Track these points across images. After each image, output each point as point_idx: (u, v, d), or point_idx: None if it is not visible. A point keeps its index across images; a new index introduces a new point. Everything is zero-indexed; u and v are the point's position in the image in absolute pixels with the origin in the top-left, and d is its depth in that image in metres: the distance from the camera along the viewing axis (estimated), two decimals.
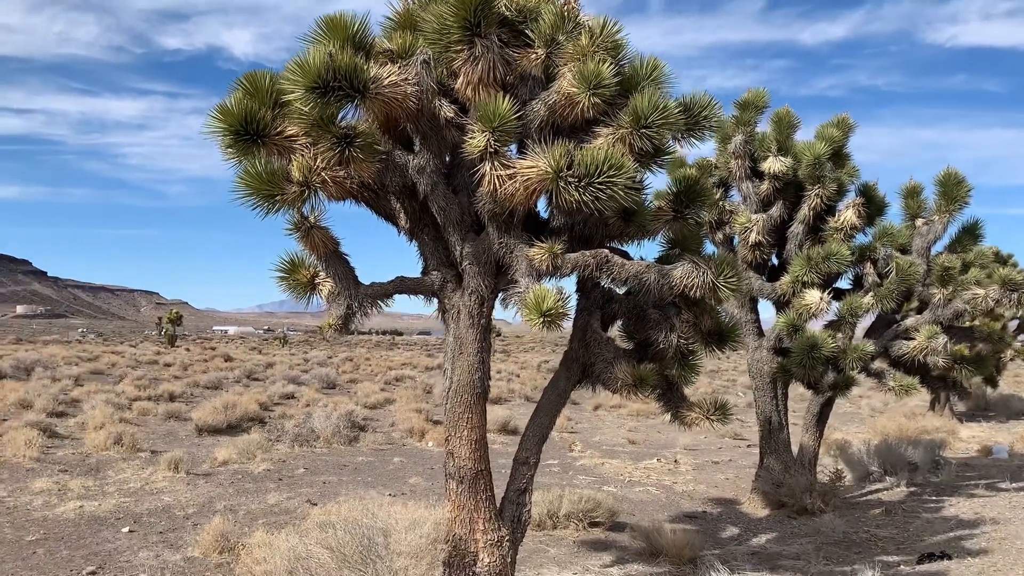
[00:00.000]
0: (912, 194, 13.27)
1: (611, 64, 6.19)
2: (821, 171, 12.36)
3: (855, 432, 22.70)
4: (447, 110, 7.18)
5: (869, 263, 12.86)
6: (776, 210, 12.85)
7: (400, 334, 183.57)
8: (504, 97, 6.17)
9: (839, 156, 12.86)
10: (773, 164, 12.45)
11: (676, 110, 6.46)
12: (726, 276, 7.03)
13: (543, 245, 6.64)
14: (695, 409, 8.20)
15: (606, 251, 7.14)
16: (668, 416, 8.50)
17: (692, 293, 7.04)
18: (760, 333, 13.49)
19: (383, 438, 19.32)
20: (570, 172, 5.87)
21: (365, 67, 6.18)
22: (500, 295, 7.63)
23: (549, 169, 5.90)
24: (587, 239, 7.52)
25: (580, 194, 5.84)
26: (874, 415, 26.96)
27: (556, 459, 17.49)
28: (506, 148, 6.20)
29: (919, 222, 13.04)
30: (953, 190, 12.83)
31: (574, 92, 6.24)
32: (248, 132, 6.85)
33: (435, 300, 7.76)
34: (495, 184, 6.19)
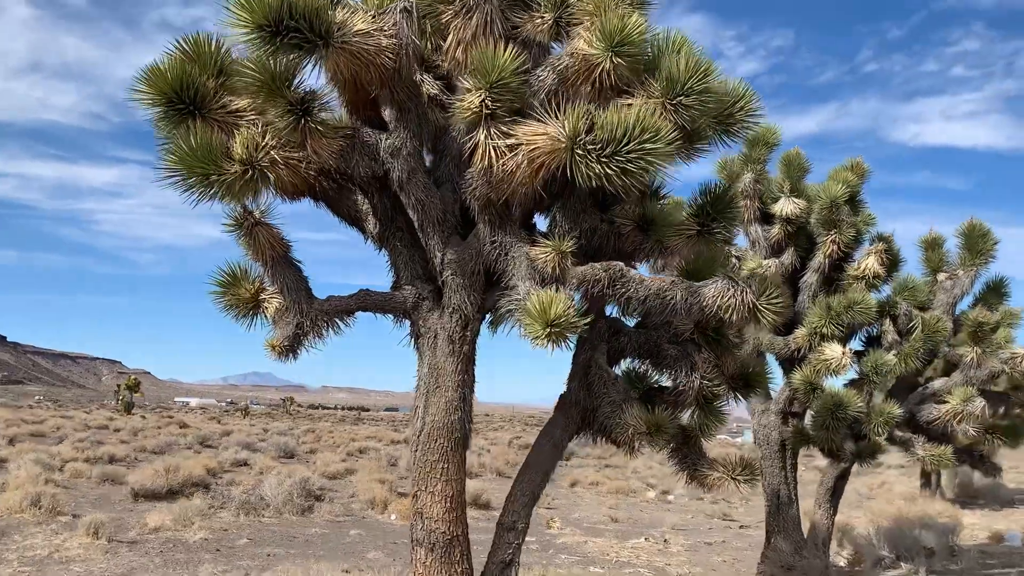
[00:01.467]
0: (933, 246, 12.14)
1: (638, 17, 4.92)
2: (838, 215, 11.23)
3: (853, 516, 21.16)
4: (431, 86, 5.89)
5: (888, 320, 11.60)
6: (787, 257, 11.63)
7: (367, 410, 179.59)
8: (505, 47, 4.87)
9: (854, 201, 11.76)
10: (785, 206, 11.30)
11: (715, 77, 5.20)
12: (770, 297, 5.68)
13: (549, 243, 5.25)
14: (717, 468, 6.73)
15: (621, 264, 5.78)
16: (683, 476, 7.02)
17: (728, 316, 5.65)
18: (767, 395, 12.10)
19: (341, 509, 17.45)
20: (590, 138, 4.53)
21: (329, 8, 4.89)
22: (489, 315, 6.21)
23: (562, 136, 4.57)
24: (594, 254, 6.17)
25: (604, 167, 4.50)
26: (862, 499, 25.49)
27: (534, 536, 15.75)
28: (505, 113, 4.87)
29: (941, 276, 11.87)
30: (978, 243, 11.72)
31: (592, 54, 4.95)
32: (184, 101, 5.50)
33: (407, 322, 6.32)
34: (491, 158, 4.84)
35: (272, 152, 5.37)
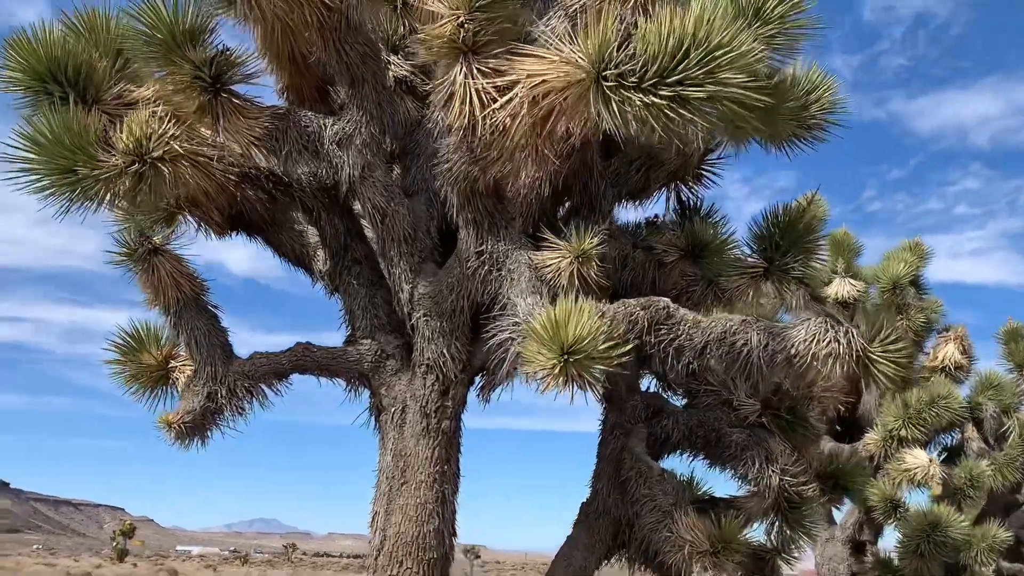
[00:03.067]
0: (1015, 337, 10.31)
1: None
2: (903, 298, 9.47)
3: None
4: (399, 67, 4.36)
5: (971, 424, 9.65)
6: None
7: None
8: None
9: (917, 285, 10.04)
10: (841, 288, 9.57)
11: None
12: (886, 341, 3.89)
13: (562, 244, 3.54)
14: None
15: (667, 300, 4.04)
16: None
17: (828, 368, 3.85)
18: (829, 519, 9.96)
19: None
20: (625, 56, 2.89)
21: None
22: (479, 379, 4.43)
23: (583, 59, 2.93)
24: (625, 292, 4.45)
25: (647, 96, 2.83)
26: None
27: None
28: (495, 44, 3.26)
29: None
30: None
31: None
32: (61, 82, 3.98)
33: (366, 391, 4.53)
34: (473, 109, 3.20)
35: (172, 143, 3.76)
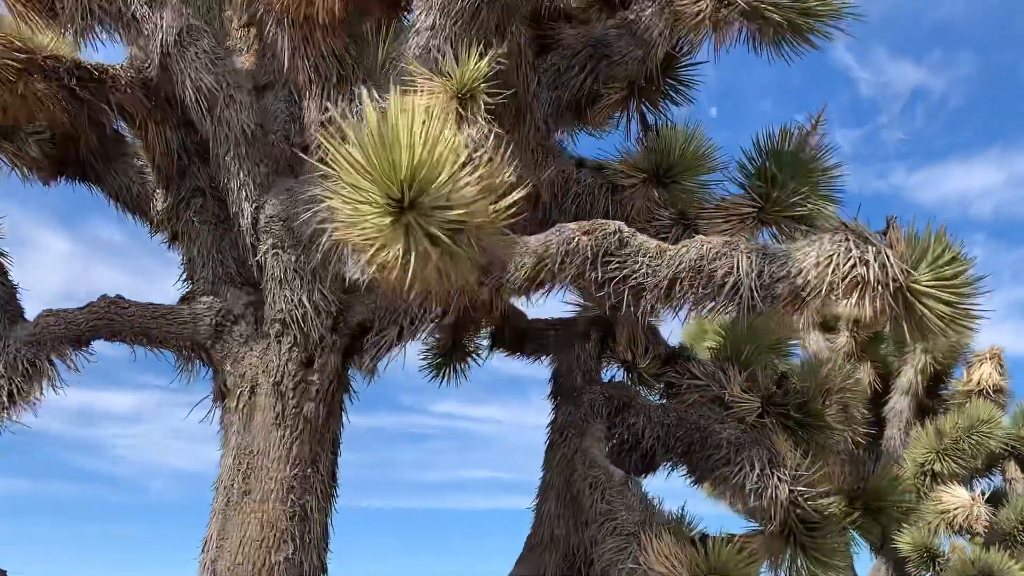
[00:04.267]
0: None
1: None
2: None
3: None
4: None
5: (1012, 462, 8.27)
6: (863, 376, 8.46)
7: None
8: None
9: None
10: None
11: None
12: (939, 266, 2.65)
13: (436, 79, 2.33)
14: None
15: (619, 223, 2.84)
16: None
17: (853, 301, 2.61)
18: (850, 571, 8.47)
19: None
20: None
21: None
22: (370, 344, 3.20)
23: None
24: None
25: None
26: None
27: None
28: None
29: None
30: None
31: None
32: None
33: (209, 372, 3.28)
34: None
35: None
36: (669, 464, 3.63)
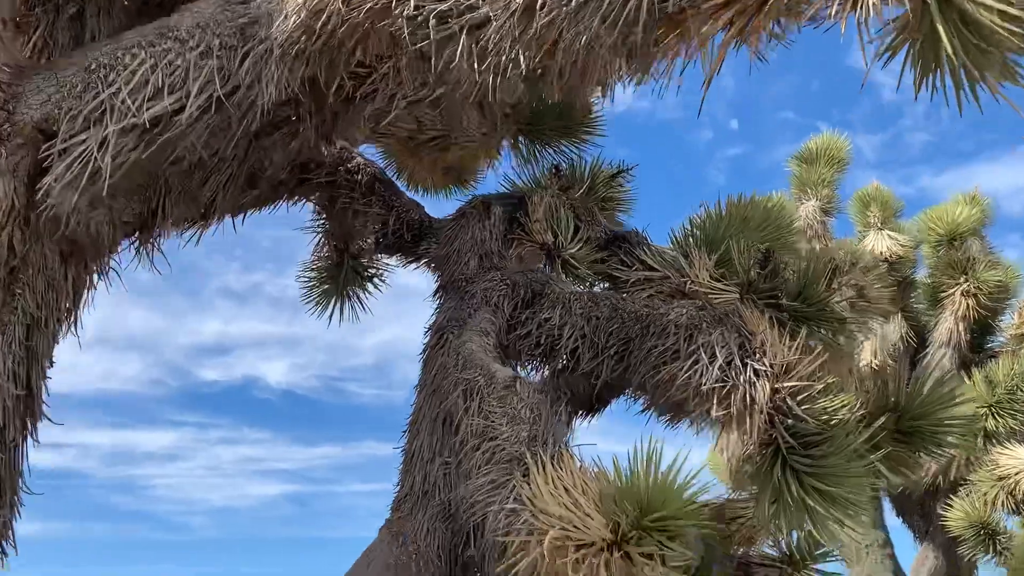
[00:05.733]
0: None
1: None
2: (965, 252, 7.00)
3: None
4: None
5: None
6: (894, 330, 7.21)
7: None
8: None
9: (983, 239, 7.53)
10: (879, 242, 7.09)
11: None
12: None
13: None
14: None
15: None
16: None
17: None
18: (895, 569, 7.18)
19: None
20: None
21: None
22: None
23: None
24: None
25: None
26: None
27: None
28: None
29: None
30: None
31: None
32: None
33: None
34: None
35: None
36: (595, 373, 2.43)
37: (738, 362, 2.13)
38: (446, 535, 2.33)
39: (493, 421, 2.01)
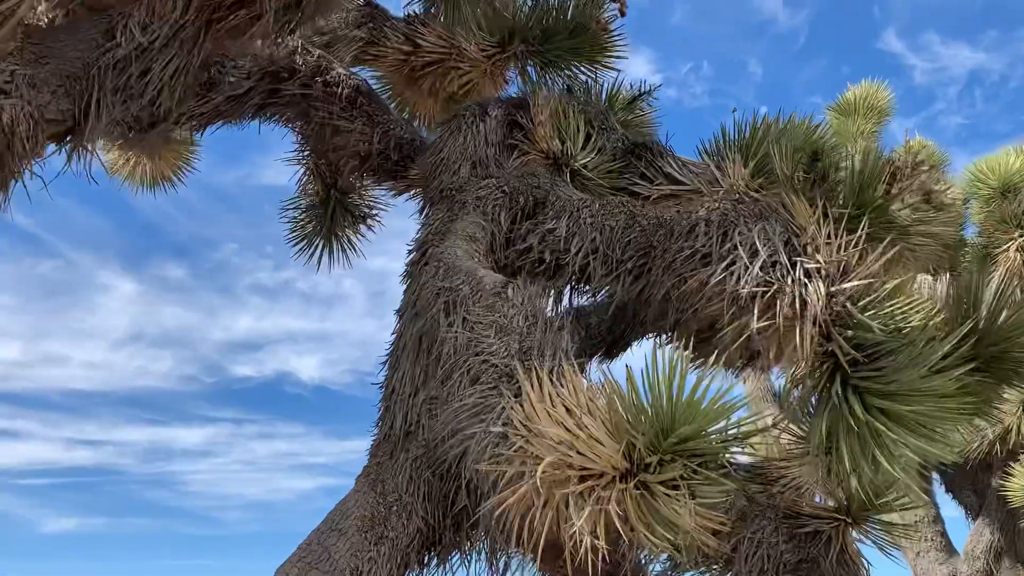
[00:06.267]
0: None
1: None
2: (1020, 205, 6.49)
3: None
4: None
5: None
6: (942, 287, 6.66)
7: None
8: None
9: None
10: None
11: None
12: None
13: None
14: None
15: None
16: None
17: None
18: (947, 547, 6.68)
19: None
20: None
21: None
22: None
23: None
24: None
25: None
26: None
27: None
28: None
29: None
30: None
31: None
32: None
33: None
34: None
35: None
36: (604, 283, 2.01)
37: (785, 261, 1.71)
38: (433, 481, 1.94)
39: (479, 333, 1.61)
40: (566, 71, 3.32)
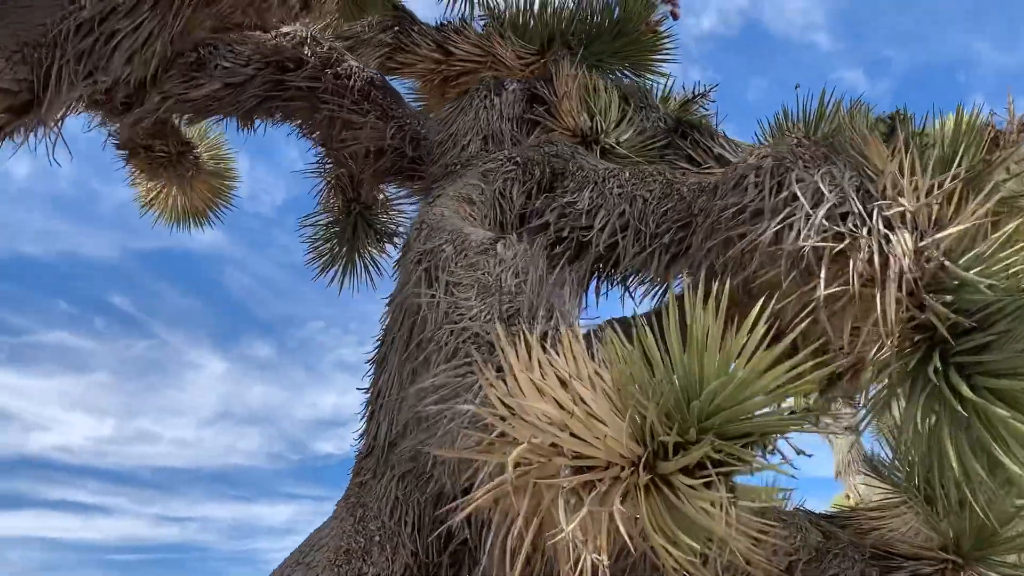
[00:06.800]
0: None
1: None
2: None
3: None
4: None
5: None
6: None
7: None
8: None
9: None
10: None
11: None
12: None
13: None
14: None
15: None
16: None
17: None
18: None
19: None
20: None
21: None
22: None
23: None
24: None
25: None
26: None
27: None
28: None
29: None
30: None
31: None
32: None
33: None
34: None
35: None
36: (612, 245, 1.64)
37: (859, 209, 1.32)
38: (424, 506, 1.57)
39: (459, 295, 1.26)
40: (610, 75, 3.01)
